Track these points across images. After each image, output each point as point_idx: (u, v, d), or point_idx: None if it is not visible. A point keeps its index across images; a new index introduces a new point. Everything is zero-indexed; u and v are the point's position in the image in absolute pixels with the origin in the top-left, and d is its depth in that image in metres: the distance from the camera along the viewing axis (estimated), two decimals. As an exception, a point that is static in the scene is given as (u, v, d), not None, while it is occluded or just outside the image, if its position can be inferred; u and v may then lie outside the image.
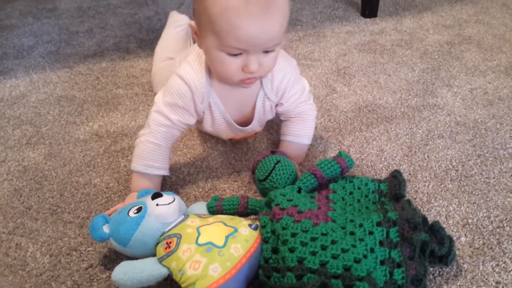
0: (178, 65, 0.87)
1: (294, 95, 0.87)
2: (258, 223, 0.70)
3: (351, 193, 0.75)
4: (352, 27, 1.51)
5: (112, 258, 0.74)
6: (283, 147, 0.92)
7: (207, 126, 0.89)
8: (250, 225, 0.69)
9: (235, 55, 0.73)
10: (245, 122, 0.90)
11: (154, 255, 0.67)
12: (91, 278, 0.71)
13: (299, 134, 0.91)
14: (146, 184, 0.83)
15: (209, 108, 0.85)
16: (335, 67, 1.27)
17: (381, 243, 0.62)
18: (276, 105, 0.89)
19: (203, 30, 0.74)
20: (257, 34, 0.70)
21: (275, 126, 1.04)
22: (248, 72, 0.74)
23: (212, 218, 0.71)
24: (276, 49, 0.76)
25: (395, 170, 0.78)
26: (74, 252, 0.76)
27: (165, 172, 0.86)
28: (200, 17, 0.73)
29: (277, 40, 0.73)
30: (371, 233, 0.63)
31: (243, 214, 0.77)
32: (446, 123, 1.02)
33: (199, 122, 0.89)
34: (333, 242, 0.61)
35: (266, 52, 0.74)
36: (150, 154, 0.83)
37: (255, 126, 0.91)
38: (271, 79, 0.84)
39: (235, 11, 0.67)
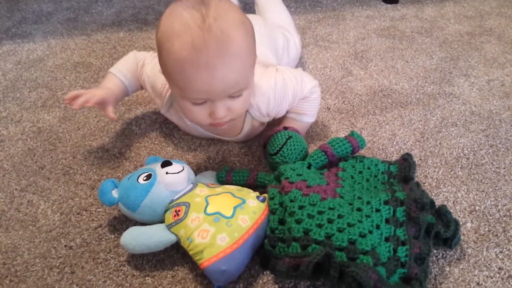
0: None
1: (286, 107, 0.86)
2: (266, 195, 0.71)
3: (360, 172, 0.75)
4: (373, 12, 1.49)
5: (121, 220, 0.75)
6: (285, 122, 0.90)
7: (178, 123, 0.92)
8: (258, 197, 0.70)
9: (200, 103, 0.71)
10: (229, 132, 0.89)
11: (162, 221, 0.68)
12: (100, 237, 0.73)
13: (303, 113, 0.89)
14: (107, 84, 0.89)
15: (177, 114, 0.87)
16: (352, 50, 1.26)
17: (387, 220, 0.62)
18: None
19: (167, 79, 0.73)
20: (213, 84, 0.66)
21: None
22: (215, 118, 0.72)
23: (220, 188, 0.71)
24: (244, 93, 0.72)
25: (406, 153, 0.78)
26: (84, 212, 0.77)
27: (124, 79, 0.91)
28: (162, 67, 0.72)
29: (239, 86, 0.69)
30: (378, 210, 0.63)
31: (252, 186, 0.77)
32: (461, 112, 1.01)
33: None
34: (339, 216, 0.62)
35: (233, 97, 0.71)
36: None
37: (241, 138, 0.91)
38: (258, 108, 0.83)
39: (186, 63, 0.64)
